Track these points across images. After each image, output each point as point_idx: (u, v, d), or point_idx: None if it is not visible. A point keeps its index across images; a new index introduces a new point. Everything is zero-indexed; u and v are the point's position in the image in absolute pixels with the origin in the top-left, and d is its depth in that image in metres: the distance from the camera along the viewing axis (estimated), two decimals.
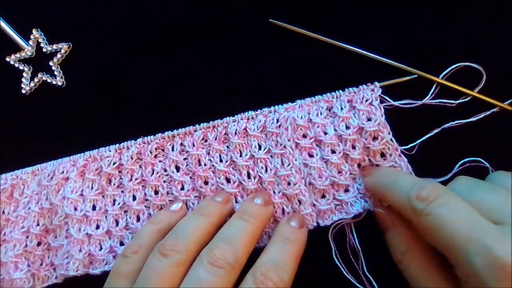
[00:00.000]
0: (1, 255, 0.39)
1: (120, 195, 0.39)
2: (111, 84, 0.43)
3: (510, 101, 0.39)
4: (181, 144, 0.39)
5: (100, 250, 0.39)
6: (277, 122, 0.38)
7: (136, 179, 0.39)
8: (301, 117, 0.38)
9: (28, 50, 0.43)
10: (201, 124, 0.39)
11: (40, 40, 0.43)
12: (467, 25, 0.40)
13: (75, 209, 0.38)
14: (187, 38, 0.43)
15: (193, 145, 0.39)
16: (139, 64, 0.43)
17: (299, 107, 0.39)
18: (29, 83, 0.43)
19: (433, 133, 0.39)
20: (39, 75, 0.43)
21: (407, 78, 0.39)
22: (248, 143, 0.39)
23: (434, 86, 0.39)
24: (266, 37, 0.42)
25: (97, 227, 0.39)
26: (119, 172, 0.40)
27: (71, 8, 0.44)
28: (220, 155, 0.39)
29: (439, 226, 0.29)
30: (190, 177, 0.39)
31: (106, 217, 0.39)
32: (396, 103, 0.39)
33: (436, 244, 0.31)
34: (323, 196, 0.38)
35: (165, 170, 0.39)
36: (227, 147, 0.39)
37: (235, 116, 0.39)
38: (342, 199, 0.38)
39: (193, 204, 0.39)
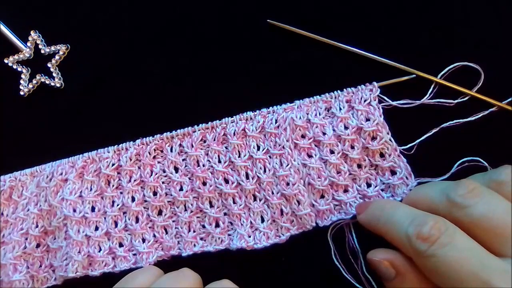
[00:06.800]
0: (0, 257, 0.39)
1: (119, 196, 0.39)
2: (109, 85, 0.43)
3: (508, 100, 0.39)
4: (180, 145, 0.39)
5: (99, 251, 0.39)
6: (276, 122, 0.38)
7: (135, 180, 0.39)
8: (300, 118, 0.38)
9: (26, 51, 0.43)
10: (200, 125, 0.39)
11: (38, 41, 0.43)
12: (465, 25, 0.40)
13: (74, 210, 0.38)
14: (185, 38, 0.43)
15: (192, 146, 0.39)
16: (138, 64, 0.43)
17: (298, 108, 0.39)
18: (28, 85, 0.43)
19: (431, 133, 0.39)
20: (37, 77, 0.43)
21: (406, 78, 0.39)
22: (246, 143, 0.39)
23: (433, 86, 0.39)
24: (264, 38, 0.42)
25: (96, 228, 0.39)
26: (118, 173, 0.40)
27: (69, 9, 0.44)
28: (218, 156, 0.39)
29: (446, 269, 0.28)
30: (189, 178, 0.39)
31: (105, 218, 0.39)
32: (394, 103, 0.39)
33: (444, 286, 0.29)
34: (322, 197, 0.38)
35: (164, 171, 0.39)
36: (226, 147, 0.39)
37: (234, 116, 0.39)
38: (341, 199, 0.38)
39: (191, 205, 0.39)
